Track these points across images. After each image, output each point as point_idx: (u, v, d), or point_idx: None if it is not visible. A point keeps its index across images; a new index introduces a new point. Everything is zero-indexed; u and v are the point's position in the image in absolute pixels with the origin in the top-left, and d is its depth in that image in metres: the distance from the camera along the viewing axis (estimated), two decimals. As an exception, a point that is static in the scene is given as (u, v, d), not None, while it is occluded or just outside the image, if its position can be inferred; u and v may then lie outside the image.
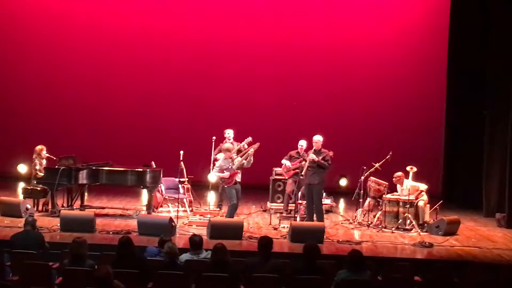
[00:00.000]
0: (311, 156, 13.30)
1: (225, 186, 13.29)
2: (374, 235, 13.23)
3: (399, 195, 14.02)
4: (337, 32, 19.05)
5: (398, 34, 19.04)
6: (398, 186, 14.18)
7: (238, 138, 14.58)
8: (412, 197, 13.71)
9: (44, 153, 14.31)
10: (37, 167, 14.19)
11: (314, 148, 13.41)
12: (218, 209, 14.62)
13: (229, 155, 13.28)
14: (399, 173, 14.15)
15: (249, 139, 14.12)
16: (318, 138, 13.44)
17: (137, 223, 12.42)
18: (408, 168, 14.22)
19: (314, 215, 13.39)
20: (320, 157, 13.26)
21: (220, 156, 13.91)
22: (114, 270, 7.47)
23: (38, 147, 14.36)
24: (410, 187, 13.85)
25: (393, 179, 14.19)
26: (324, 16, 19.17)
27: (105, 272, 7.23)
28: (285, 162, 14.59)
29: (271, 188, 15.44)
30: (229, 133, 14.75)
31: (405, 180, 14.10)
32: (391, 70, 18.97)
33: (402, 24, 19.11)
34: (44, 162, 14.30)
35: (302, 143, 14.52)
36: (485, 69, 16.71)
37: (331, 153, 13.50)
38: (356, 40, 18.96)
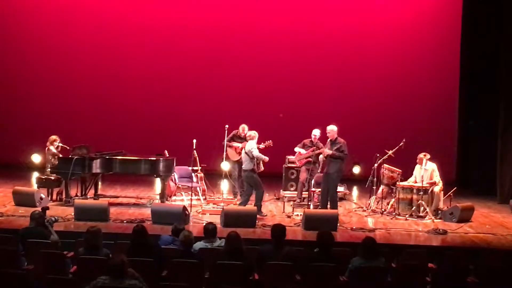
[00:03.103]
0: (327, 151, 13.26)
1: (254, 174, 13.26)
2: (387, 222, 13.21)
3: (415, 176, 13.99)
4: (349, 19, 18.94)
5: (410, 19, 18.91)
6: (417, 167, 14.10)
7: (251, 127, 14.59)
8: (435, 177, 13.68)
9: (57, 143, 14.32)
10: (54, 151, 14.21)
11: (329, 138, 13.37)
12: (234, 197, 14.67)
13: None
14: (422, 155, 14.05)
15: (269, 142, 14.17)
16: (331, 128, 13.36)
17: (151, 212, 12.45)
18: (421, 155, 14.18)
19: (328, 204, 13.38)
20: (335, 148, 13.21)
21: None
22: (128, 259, 7.50)
23: (52, 137, 14.39)
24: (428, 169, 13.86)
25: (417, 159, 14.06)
26: (338, 4, 19.10)
27: (119, 261, 7.25)
28: (299, 150, 14.57)
29: (284, 176, 15.44)
30: (245, 128, 14.74)
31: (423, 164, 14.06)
32: (403, 56, 18.86)
33: (414, 8, 18.99)
34: (57, 152, 14.31)
35: (316, 133, 14.51)
36: (499, 52, 16.61)
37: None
38: (368, 27, 18.85)
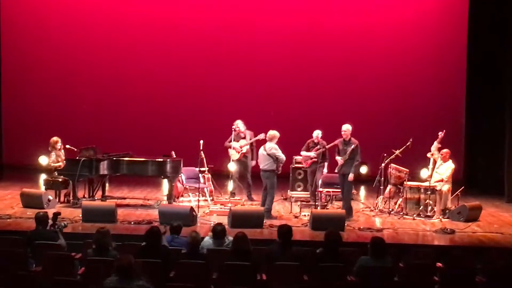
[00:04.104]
0: (339, 160, 13.27)
1: (275, 175, 13.28)
2: (395, 222, 13.19)
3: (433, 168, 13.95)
4: (354, 16, 18.90)
5: (417, 15, 18.85)
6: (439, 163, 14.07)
7: (257, 127, 14.65)
8: (447, 173, 13.69)
9: (59, 145, 14.34)
10: (53, 158, 14.26)
11: (343, 138, 13.36)
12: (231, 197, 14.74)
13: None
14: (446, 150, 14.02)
15: (262, 135, 14.33)
16: (347, 127, 13.35)
17: (159, 213, 12.45)
18: (428, 154, 14.17)
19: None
20: (349, 149, 13.19)
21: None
22: (139, 260, 7.49)
23: (53, 139, 14.41)
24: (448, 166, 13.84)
25: (441, 155, 13.99)
26: (343, 3, 19.10)
27: (127, 262, 7.24)
28: (305, 153, 14.59)
29: (291, 177, 15.44)
30: (238, 124, 14.81)
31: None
32: (409, 56, 18.81)
33: (420, 5, 18.95)
34: (61, 153, 14.33)
35: (317, 133, 14.50)
36: (506, 50, 16.58)
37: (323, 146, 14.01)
38: (374, 26, 18.81)
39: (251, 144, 14.84)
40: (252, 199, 14.82)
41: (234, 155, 14.76)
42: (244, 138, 14.83)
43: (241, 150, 14.70)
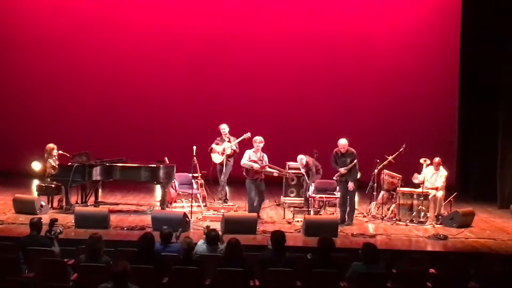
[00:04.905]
0: (341, 170, 13.29)
1: (246, 180, 13.34)
2: (388, 228, 13.22)
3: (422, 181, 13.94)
4: (346, 23, 18.96)
5: (409, 24, 18.89)
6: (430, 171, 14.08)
7: (252, 133, 14.65)
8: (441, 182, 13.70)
9: (55, 152, 14.30)
10: (51, 164, 14.22)
11: (341, 151, 13.38)
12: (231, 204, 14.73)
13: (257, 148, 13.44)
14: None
15: (248, 134, 14.34)
16: (344, 142, 13.42)
17: (151, 218, 12.43)
18: (421, 160, 14.19)
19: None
20: (349, 160, 13.29)
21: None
22: (131, 266, 7.47)
23: (50, 146, 14.37)
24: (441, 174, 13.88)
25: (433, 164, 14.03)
26: (336, 9, 19.13)
27: (123, 268, 7.22)
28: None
29: (284, 182, 15.42)
30: (224, 128, 14.81)
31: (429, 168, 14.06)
32: (402, 62, 18.84)
33: (413, 12, 19.00)
34: (52, 161, 14.27)
35: (300, 158, 14.40)
36: (499, 55, 16.63)
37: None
38: (365, 32, 18.83)
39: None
40: (226, 201, 14.85)
41: (217, 158, 14.77)
42: (229, 141, 14.82)
43: (225, 152, 14.66)
